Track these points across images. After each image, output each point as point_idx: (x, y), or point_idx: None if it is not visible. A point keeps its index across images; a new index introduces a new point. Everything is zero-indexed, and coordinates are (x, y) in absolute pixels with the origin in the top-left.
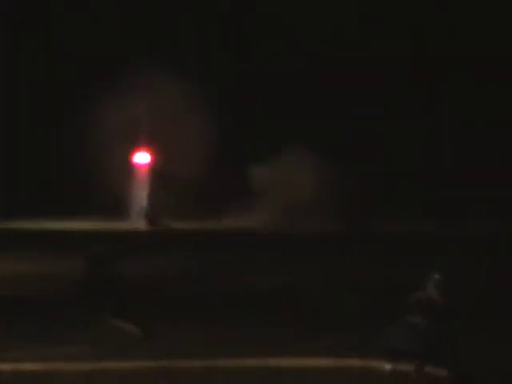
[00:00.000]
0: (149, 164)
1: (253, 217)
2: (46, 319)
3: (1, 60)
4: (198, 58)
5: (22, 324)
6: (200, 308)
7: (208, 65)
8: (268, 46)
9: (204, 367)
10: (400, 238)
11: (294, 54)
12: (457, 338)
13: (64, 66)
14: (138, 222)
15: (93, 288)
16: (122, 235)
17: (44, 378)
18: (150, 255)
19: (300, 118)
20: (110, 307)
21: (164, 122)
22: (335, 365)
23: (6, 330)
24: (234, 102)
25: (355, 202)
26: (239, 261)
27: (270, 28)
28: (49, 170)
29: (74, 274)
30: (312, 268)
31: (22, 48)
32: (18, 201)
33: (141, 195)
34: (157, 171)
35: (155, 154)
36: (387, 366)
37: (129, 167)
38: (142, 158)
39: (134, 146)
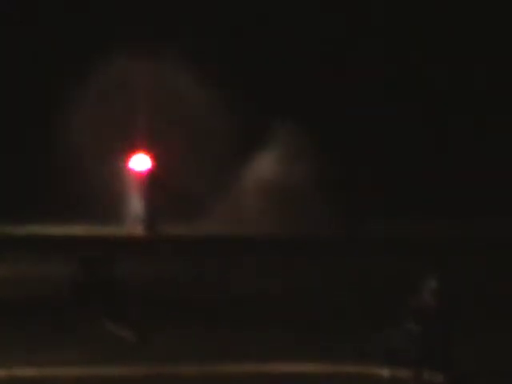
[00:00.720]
0: (146, 168)
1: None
2: (42, 324)
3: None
4: (197, 58)
5: (17, 329)
6: (197, 312)
7: (208, 66)
8: (268, 46)
9: (201, 372)
10: (400, 238)
11: (294, 54)
12: (452, 342)
13: (63, 65)
14: (134, 228)
15: (88, 293)
16: (118, 240)
17: None
18: (146, 260)
19: (299, 117)
20: (106, 312)
21: (162, 125)
22: (333, 370)
23: (2, 335)
24: (234, 102)
25: (355, 202)
26: (237, 264)
27: (269, 28)
28: (43, 175)
29: (69, 278)
30: (311, 270)
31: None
32: (14, 205)
33: (137, 200)
34: (154, 175)
35: (153, 158)
36: (386, 373)
37: (125, 171)
38: (139, 161)
39: (131, 149)
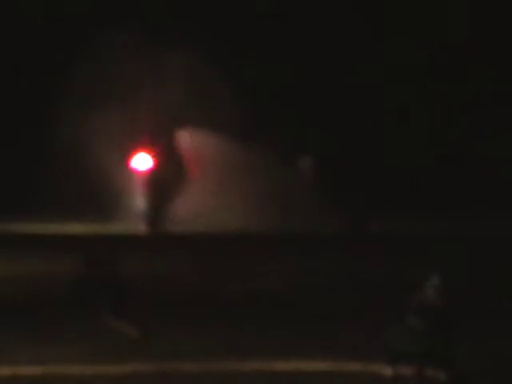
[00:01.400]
0: (149, 166)
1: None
2: (45, 321)
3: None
4: (200, 59)
5: (20, 326)
6: (198, 310)
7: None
8: (268, 45)
9: (202, 370)
10: (400, 238)
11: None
12: (455, 340)
13: (62, 64)
14: (137, 225)
15: (91, 289)
16: (121, 237)
17: (43, 383)
18: (149, 257)
19: (300, 117)
20: (108, 308)
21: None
22: (335, 368)
23: (4, 333)
24: (233, 103)
25: (355, 203)
26: (238, 263)
27: (269, 28)
28: (46, 171)
29: (72, 275)
30: (312, 269)
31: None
32: (16, 203)
33: (140, 197)
34: (157, 173)
35: (155, 155)
36: (388, 371)
37: (128, 168)
38: (142, 159)
39: (134, 147)
